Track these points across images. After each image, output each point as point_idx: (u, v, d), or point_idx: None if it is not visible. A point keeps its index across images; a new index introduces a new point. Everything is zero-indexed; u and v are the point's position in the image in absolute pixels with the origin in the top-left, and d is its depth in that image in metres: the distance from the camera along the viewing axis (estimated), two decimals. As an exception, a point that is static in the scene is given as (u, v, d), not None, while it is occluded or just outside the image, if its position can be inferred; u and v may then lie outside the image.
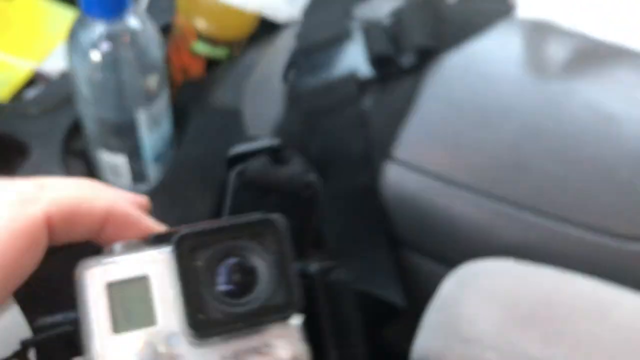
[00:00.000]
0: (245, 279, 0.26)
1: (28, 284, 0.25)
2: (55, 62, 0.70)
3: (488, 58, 0.54)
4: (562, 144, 0.48)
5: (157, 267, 0.26)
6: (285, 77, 0.57)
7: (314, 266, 0.31)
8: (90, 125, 0.61)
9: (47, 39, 0.72)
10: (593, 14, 0.61)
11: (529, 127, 0.49)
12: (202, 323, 0.25)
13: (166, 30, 0.68)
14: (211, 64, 0.70)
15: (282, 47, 0.60)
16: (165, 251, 0.25)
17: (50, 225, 0.25)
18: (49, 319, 0.27)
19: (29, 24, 0.73)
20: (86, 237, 0.26)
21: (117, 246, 0.26)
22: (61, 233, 0.25)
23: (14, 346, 0.26)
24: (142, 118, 0.60)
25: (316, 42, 0.56)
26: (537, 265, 0.39)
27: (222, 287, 0.25)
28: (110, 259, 0.26)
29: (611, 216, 0.45)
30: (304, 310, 0.27)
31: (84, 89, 0.57)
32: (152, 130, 0.62)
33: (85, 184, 0.27)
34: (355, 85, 0.53)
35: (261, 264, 0.26)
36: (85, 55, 0.55)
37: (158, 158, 0.65)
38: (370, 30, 0.54)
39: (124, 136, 0.61)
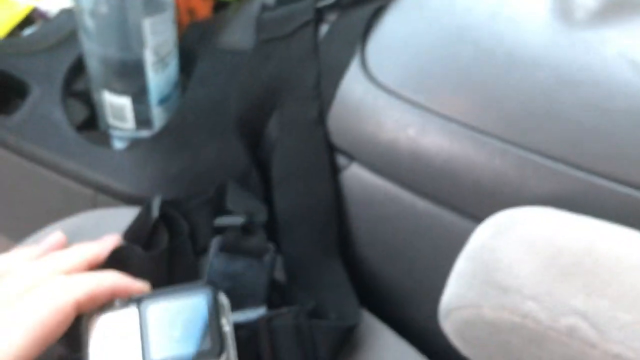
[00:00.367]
0: (186, 331, 0.38)
1: None
2: (53, 0, 0.67)
3: (515, 2, 0.52)
4: (594, 94, 0.46)
5: (131, 319, 0.39)
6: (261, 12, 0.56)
7: (264, 315, 0.44)
8: (94, 64, 0.58)
9: (46, -27, 0.68)
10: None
11: (561, 76, 0.47)
12: None
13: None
14: (219, 5, 0.67)
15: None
16: (135, 309, 0.40)
17: (79, 307, 0.39)
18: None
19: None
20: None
21: (107, 302, 0.40)
22: (84, 308, 0.39)
23: None
24: (148, 58, 0.57)
25: None
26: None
27: (170, 335, 0.38)
28: (103, 312, 0.40)
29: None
30: (233, 353, 0.39)
31: (88, 23, 0.54)
32: (159, 71, 0.59)
33: (105, 275, 0.41)
34: (314, 12, 0.51)
35: (198, 320, 0.38)
36: (91, -15, 0.52)
37: (163, 101, 0.62)
38: None
39: (129, 77, 0.58)
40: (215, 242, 0.47)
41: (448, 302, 0.36)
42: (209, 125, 0.60)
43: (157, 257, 0.46)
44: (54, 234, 0.49)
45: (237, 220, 0.47)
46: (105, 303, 0.40)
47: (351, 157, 0.51)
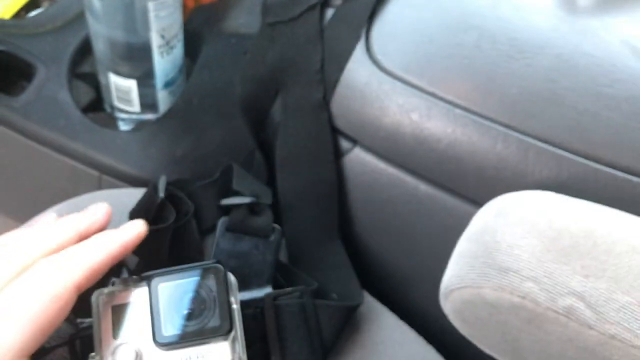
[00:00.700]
0: (196, 308, 0.39)
1: None
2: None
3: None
4: (597, 81, 0.46)
5: (141, 297, 0.39)
6: None
7: (270, 293, 0.45)
8: (100, 47, 0.58)
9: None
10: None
11: (564, 62, 0.47)
12: (163, 338, 0.38)
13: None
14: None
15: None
16: (145, 287, 0.39)
17: (79, 289, 0.35)
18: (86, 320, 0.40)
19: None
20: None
21: (117, 281, 0.39)
22: (84, 288, 0.36)
23: None
24: (154, 41, 0.57)
25: None
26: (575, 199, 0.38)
27: (179, 312, 0.39)
28: (113, 290, 0.39)
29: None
30: (252, 330, 0.42)
31: (95, 4, 0.54)
32: (164, 54, 0.59)
33: (99, 247, 0.37)
34: None
35: (207, 298, 0.39)
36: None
37: (169, 85, 0.62)
38: None
39: (135, 60, 0.59)
40: (222, 222, 0.48)
41: (449, 283, 0.37)
42: (214, 108, 0.60)
43: (162, 232, 0.47)
44: (47, 214, 0.46)
45: (244, 199, 0.48)
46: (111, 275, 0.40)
47: (354, 141, 0.52)
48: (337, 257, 0.52)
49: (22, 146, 0.63)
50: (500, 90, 0.46)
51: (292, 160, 0.52)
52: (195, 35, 0.65)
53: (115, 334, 0.40)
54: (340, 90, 0.51)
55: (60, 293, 0.34)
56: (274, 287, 0.47)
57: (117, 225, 0.47)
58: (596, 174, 0.44)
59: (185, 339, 0.39)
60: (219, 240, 0.48)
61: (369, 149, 0.51)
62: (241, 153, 0.57)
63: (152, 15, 0.55)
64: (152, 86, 0.61)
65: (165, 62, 0.60)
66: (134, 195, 0.51)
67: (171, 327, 0.39)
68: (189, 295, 0.39)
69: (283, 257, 0.52)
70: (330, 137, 0.52)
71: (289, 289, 0.46)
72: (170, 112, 0.62)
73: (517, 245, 0.35)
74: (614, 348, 0.32)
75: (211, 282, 0.40)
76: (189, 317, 0.39)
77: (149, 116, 0.63)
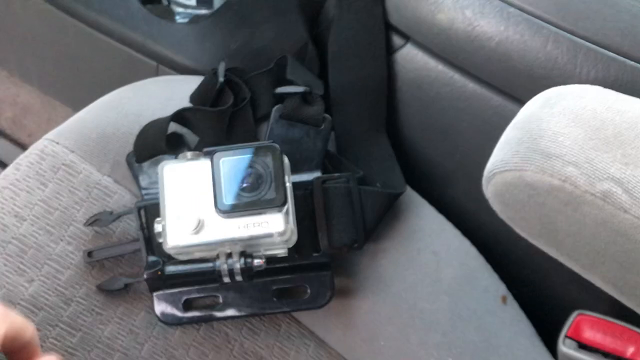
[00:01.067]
0: (253, 182, 0.42)
1: None
2: None
3: None
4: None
5: (204, 170, 0.43)
6: None
7: (319, 177, 0.48)
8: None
9: None
10: None
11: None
12: (224, 206, 0.42)
13: None
14: None
15: None
16: (208, 161, 0.43)
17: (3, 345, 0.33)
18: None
19: None
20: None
21: (184, 154, 0.44)
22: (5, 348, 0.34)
23: None
24: None
25: None
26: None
27: (239, 185, 0.42)
28: (179, 163, 0.44)
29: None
30: (299, 205, 0.45)
31: None
32: (222, -53, 0.60)
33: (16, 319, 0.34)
34: None
35: (264, 173, 0.43)
36: None
37: (225, -22, 0.63)
38: None
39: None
40: (276, 109, 0.51)
41: (492, 166, 0.39)
42: (269, 2, 0.62)
43: (221, 114, 0.49)
44: None
45: (297, 88, 0.50)
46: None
47: (407, 37, 0.53)
48: (382, 149, 0.54)
49: (83, 34, 0.65)
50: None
51: (344, 54, 0.54)
52: None
53: (178, 203, 0.43)
54: (396, -14, 0.51)
55: None
56: (323, 173, 0.50)
57: (174, 109, 0.50)
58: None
59: (244, 208, 0.42)
60: (272, 126, 0.50)
61: (420, 45, 0.52)
62: (294, 47, 0.58)
63: None
64: (209, -21, 0.62)
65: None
66: (192, 81, 0.54)
67: (231, 197, 0.42)
68: (248, 169, 0.43)
69: (331, 147, 0.54)
70: (383, 33, 0.53)
71: (337, 174, 0.48)
72: (225, 6, 0.63)
73: (561, 133, 0.36)
74: (646, 232, 0.35)
75: (268, 159, 0.43)
76: (247, 189, 0.42)
77: (204, 10, 0.65)
